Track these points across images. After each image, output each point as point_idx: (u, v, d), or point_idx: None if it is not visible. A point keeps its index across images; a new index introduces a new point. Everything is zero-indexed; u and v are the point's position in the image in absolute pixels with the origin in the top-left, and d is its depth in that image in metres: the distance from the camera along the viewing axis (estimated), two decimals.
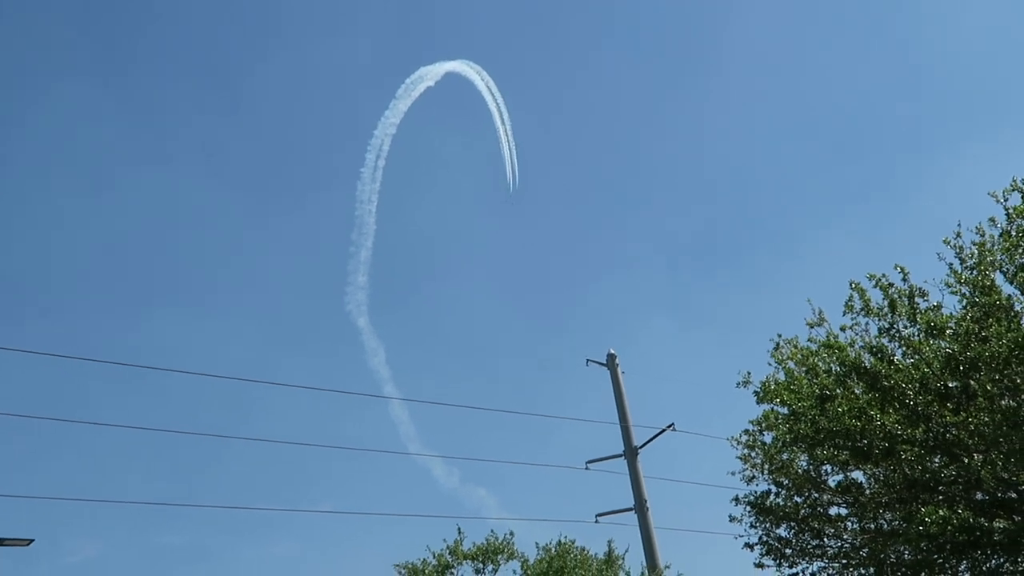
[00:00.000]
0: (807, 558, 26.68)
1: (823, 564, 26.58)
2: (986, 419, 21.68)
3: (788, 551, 26.80)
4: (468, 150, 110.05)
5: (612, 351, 43.99)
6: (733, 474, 27.74)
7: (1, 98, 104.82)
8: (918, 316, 23.54)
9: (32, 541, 30.00)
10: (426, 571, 38.19)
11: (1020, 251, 22.29)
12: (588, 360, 43.71)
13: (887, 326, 24.16)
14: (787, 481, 26.46)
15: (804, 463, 26.14)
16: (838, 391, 24.40)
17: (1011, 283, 22.56)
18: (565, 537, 37.59)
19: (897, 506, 24.37)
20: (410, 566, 38.34)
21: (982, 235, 22.93)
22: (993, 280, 22.54)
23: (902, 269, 24.00)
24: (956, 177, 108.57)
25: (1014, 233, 22.53)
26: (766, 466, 26.86)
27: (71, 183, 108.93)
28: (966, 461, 22.33)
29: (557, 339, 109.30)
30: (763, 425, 26.84)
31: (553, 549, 36.95)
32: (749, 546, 27.34)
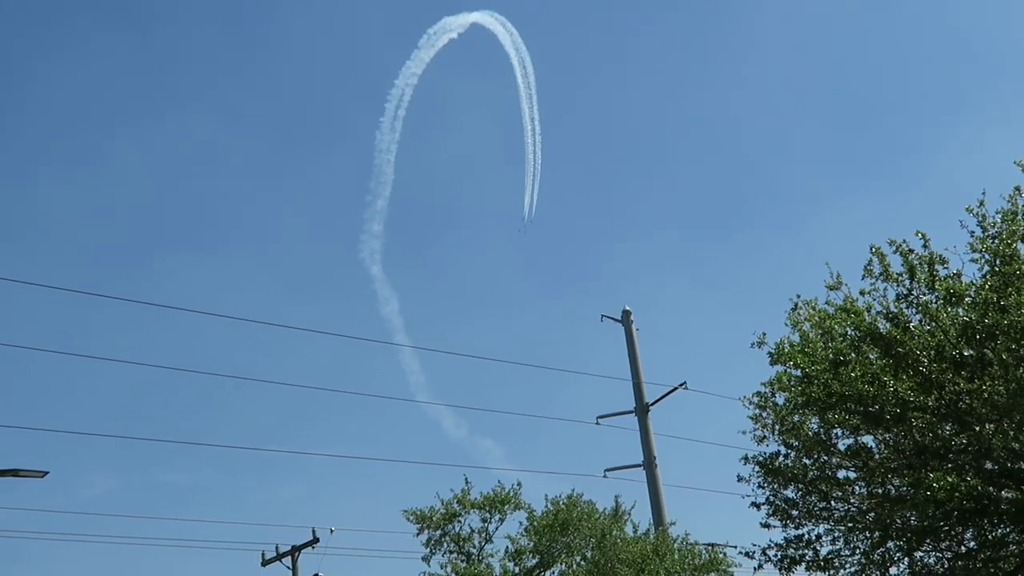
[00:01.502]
0: (813, 520, 26.78)
1: (829, 527, 26.67)
2: (1000, 388, 21.64)
3: (795, 512, 26.89)
4: (490, 103, 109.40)
5: (627, 308, 44.04)
6: (744, 433, 27.78)
7: (25, 44, 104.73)
8: (937, 283, 23.37)
9: (47, 473, 30.45)
10: (434, 518, 38.61)
11: None
12: (603, 316, 43.84)
13: (905, 292, 24.02)
14: (797, 443, 26.47)
15: (815, 426, 26.14)
16: (852, 356, 24.32)
17: None
18: (574, 491, 37.92)
19: (906, 472, 24.38)
20: (418, 512, 38.76)
21: (1014, 204, 22.74)
22: (1016, 249, 22.37)
23: (923, 235, 23.76)
24: (982, 146, 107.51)
25: None
26: (777, 427, 26.87)
27: (91, 126, 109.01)
28: (977, 430, 22.29)
29: (572, 296, 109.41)
30: (775, 387, 26.80)
31: (561, 502, 37.26)
32: (756, 506, 27.44)
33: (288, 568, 44.53)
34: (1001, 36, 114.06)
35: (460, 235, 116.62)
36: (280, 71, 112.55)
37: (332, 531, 43.97)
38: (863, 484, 26.13)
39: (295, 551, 44.57)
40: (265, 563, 45.12)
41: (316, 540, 44.20)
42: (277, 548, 44.84)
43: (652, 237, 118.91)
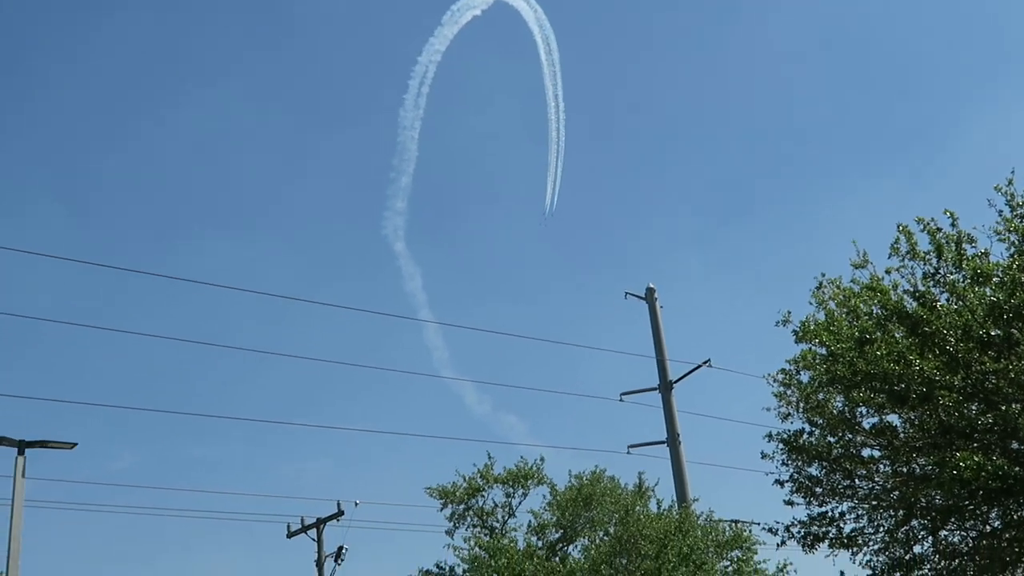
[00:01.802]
0: (837, 498, 26.77)
1: (853, 505, 26.66)
2: None
3: (818, 490, 26.89)
4: (513, 81, 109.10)
5: (651, 285, 44.03)
6: (768, 410, 27.78)
7: (51, 22, 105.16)
8: (964, 262, 23.20)
9: (75, 445, 30.80)
10: (457, 493, 38.80)
11: None
12: (627, 293, 43.85)
13: (932, 271, 23.88)
14: (821, 421, 26.44)
15: (840, 404, 26.09)
16: (878, 334, 24.24)
17: None
18: (597, 467, 38.04)
19: (931, 451, 24.33)
20: (441, 488, 38.96)
21: None
22: None
23: (951, 214, 23.53)
24: (1008, 127, 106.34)
25: None
26: (801, 405, 26.83)
27: (116, 105, 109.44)
28: (1004, 409, 22.20)
29: (595, 273, 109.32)
30: (800, 364, 26.76)
31: (585, 477, 37.37)
32: (780, 483, 27.45)
33: (313, 540, 44.92)
34: None
35: (483, 212, 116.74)
36: (303, 48, 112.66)
37: (357, 504, 44.30)
38: (888, 463, 26.09)
39: (320, 523, 44.95)
40: (291, 535, 45.55)
41: (341, 513, 44.53)
42: (302, 520, 45.22)
43: (675, 216, 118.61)
